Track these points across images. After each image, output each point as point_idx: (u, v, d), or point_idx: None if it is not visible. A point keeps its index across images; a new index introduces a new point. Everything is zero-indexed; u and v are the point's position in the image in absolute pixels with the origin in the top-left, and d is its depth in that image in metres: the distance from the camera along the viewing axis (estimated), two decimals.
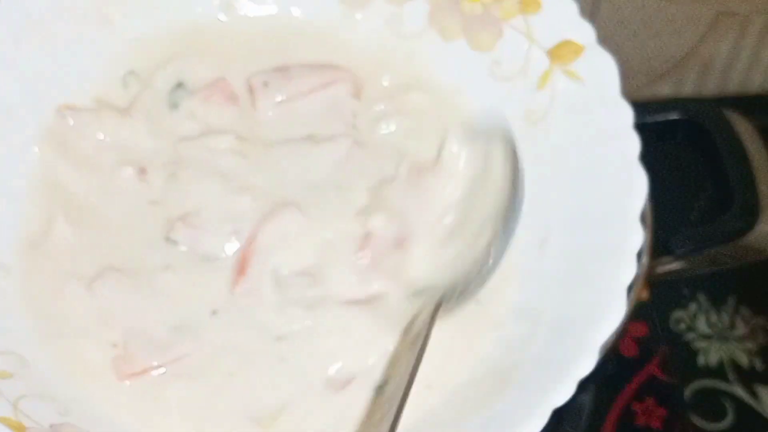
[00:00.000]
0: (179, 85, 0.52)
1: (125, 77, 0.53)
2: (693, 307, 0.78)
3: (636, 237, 0.43)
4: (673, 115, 0.67)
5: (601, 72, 0.47)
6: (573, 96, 0.48)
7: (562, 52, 0.48)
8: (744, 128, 0.65)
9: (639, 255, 0.59)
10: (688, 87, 0.91)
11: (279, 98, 0.51)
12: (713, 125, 0.65)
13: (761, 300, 0.78)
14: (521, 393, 0.42)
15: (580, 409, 0.69)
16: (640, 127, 0.67)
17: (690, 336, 0.76)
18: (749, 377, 0.74)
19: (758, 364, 0.75)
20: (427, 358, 0.43)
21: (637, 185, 0.44)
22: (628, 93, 0.90)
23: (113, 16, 0.53)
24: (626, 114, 0.46)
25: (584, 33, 0.48)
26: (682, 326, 0.77)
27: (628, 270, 0.42)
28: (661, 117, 0.68)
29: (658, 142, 0.67)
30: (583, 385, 0.56)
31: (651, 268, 0.60)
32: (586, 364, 0.40)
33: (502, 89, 0.50)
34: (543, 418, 0.39)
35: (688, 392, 0.73)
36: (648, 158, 0.64)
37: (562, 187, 0.47)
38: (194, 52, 0.53)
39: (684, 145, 0.68)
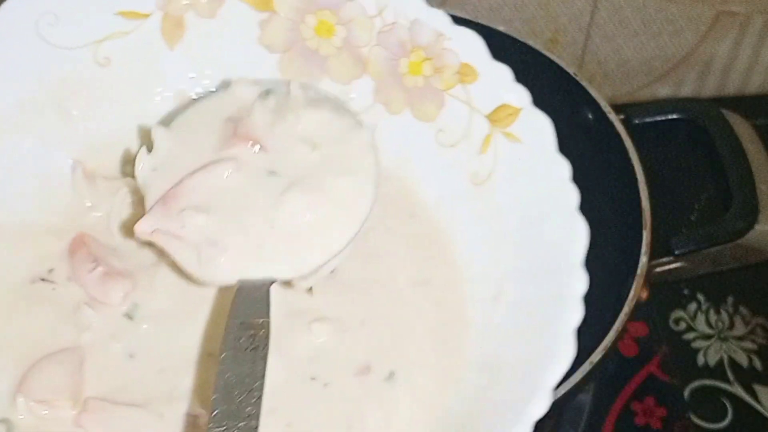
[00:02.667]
0: None
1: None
2: (693, 307, 0.78)
3: (579, 283, 0.45)
4: (673, 116, 0.68)
5: (537, 131, 0.50)
6: (513, 156, 0.51)
7: (500, 116, 0.51)
8: (743, 128, 0.65)
9: (638, 256, 0.60)
10: (688, 87, 0.91)
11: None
12: (713, 125, 0.65)
13: (760, 300, 0.78)
14: None
15: (581, 408, 0.70)
16: (640, 127, 0.67)
17: (690, 336, 0.76)
18: (749, 377, 0.74)
19: (758, 364, 0.75)
20: (390, 413, 0.46)
21: (578, 234, 0.47)
22: (628, 93, 0.91)
23: (72, 110, 0.54)
24: (563, 169, 0.48)
25: (520, 96, 0.51)
26: (682, 326, 0.77)
27: (574, 315, 0.44)
28: (660, 117, 0.68)
29: (658, 142, 0.68)
30: (584, 385, 0.56)
31: (651, 268, 0.61)
32: (541, 405, 0.42)
33: (448, 155, 0.53)
34: None
35: (687, 392, 0.73)
36: (648, 158, 0.64)
37: (510, 242, 0.50)
38: None
39: (683, 145, 0.68)
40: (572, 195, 0.47)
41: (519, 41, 0.71)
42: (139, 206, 0.49)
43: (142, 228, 0.45)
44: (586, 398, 0.70)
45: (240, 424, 0.36)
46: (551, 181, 0.48)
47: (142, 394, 0.46)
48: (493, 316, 0.48)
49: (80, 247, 0.50)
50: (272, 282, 0.45)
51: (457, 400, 0.47)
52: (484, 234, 0.51)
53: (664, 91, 0.92)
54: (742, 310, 0.78)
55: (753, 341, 0.76)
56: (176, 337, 0.47)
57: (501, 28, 0.72)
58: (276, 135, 0.48)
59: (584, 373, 0.55)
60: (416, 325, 0.49)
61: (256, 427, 0.36)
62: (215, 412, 0.36)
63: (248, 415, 0.36)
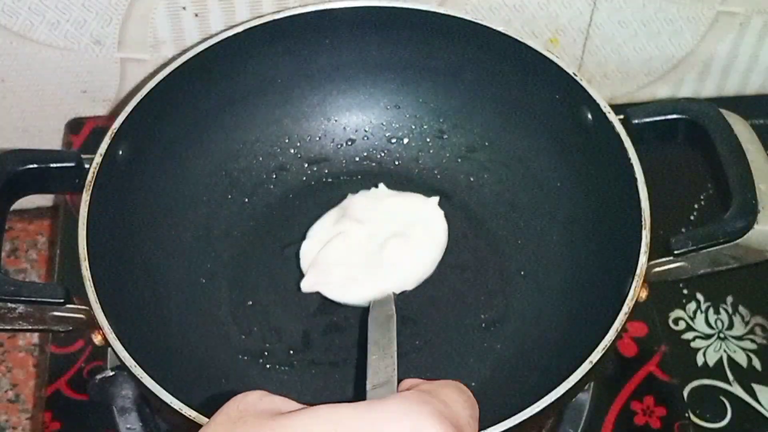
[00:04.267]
0: None
1: None
2: (692, 306, 0.78)
3: None
4: (672, 116, 0.67)
5: None
6: None
7: None
8: (742, 128, 0.65)
9: (637, 255, 0.60)
10: (688, 87, 0.91)
11: None
12: (712, 126, 0.65)
13: (760, 300, 0.78)
14: None
15: (580, 408, 0.70)
16: (640, 126, 0.67)
17: (689, 335, 0.76)
18: (748, 376, 0.74)
19: (757, 364, 0.75)
20: None
21: None
22: (627, 93, 0.91)
23: None
24: None
25: None
26: (682, 326, 0.77)
27: None
28: (660, 117, 0.68)
29: (658, 142, 0.68)
30: (583, 384, 0.56)
31: (650, 267, 0.61)
32: None
33: None
34: None
35: (687, 391, 0.73)
36: (647, 158, 0.65)
37: None
38: None
39: (683, 145, 0.68)
40: None
41: (519, 41, 0.71)
42: None
43: (306, 285, 0.70)
44: (585, 398, 0.70)
45: (387, 358, 0.53)
46: None
47: None
48: None
49: None
50: (392, 294, 0.67)
51: None
52: None
53: (663, 91, 0.92)
54: (742, 309, 0.78)
55: (752, 341, 0.76)
56: None
57: (500, 29, 0.72)
58: (370, 214, 0.72)
59: (584, 372, 0.56)
60: None
61: (395, 358, 0.53)
62: (374, 357, 0.53)
63: (390, 355, 0.54)
